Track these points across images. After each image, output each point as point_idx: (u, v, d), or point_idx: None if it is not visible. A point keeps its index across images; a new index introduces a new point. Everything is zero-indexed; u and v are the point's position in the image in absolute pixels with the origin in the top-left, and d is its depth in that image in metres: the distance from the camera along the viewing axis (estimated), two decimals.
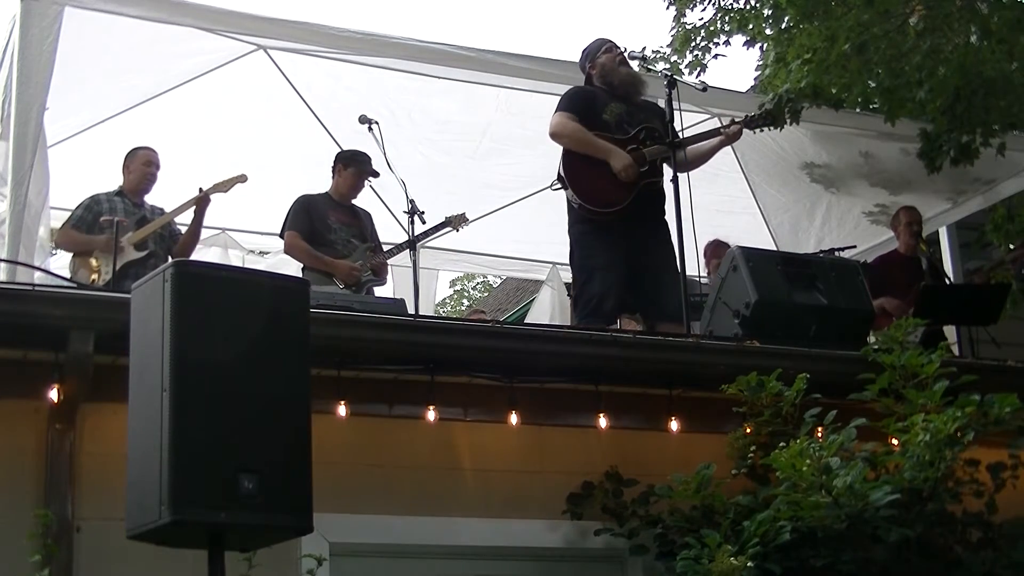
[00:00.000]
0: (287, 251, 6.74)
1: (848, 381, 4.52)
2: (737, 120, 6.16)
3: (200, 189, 6.56)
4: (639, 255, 5.86)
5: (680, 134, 5.91)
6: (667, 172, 5.81)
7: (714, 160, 6.89)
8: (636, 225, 5.86)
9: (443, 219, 6.83)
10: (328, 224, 6.63)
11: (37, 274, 5.30)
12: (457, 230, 7.07)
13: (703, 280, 7.01)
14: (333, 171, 6.83)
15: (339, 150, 7.06)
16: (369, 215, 6.96)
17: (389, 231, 7.42)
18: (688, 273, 5.89)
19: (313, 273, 6.48)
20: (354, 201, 6.87)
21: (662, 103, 5.87)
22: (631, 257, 5.89)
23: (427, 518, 4.49)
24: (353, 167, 6.74)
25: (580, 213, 6.01)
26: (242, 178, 6.69)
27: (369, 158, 6.72)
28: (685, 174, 5.73)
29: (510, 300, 16.09)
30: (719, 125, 6.09)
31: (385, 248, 6.84)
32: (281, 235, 6.71)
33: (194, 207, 6.57)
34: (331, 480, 3.86)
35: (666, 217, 5.86)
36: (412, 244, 6.35)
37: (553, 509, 4.66)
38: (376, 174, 6.69)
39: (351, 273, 6.52)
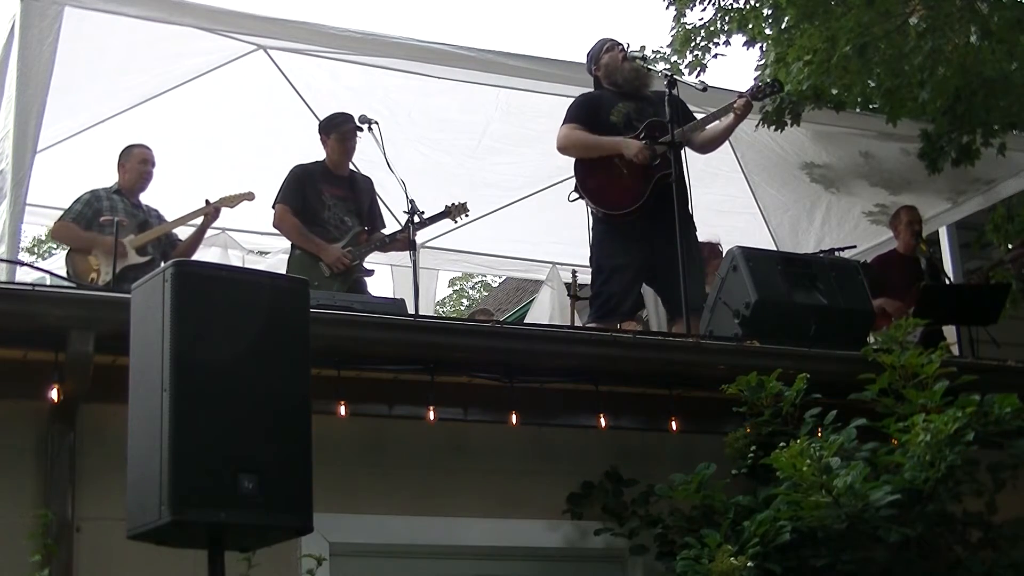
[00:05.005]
0: (276, 224, 6.52)
1: (848, 381, 4.51)
2: (743, 93, 6.04)
3: (207, 202, 6.54)
4: (658, 252, 5.84)
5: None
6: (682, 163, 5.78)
7: (714, 160, 6.89)
8: (655, 222, 5.86)
9: (442, 208, 6.67)
10: (322, 200, 6.43)
11: (37, 274, 5.31)
12: (455, 220, 6.93)
13: None
14: (321, 142, 6.58)
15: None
16: (369, 180, 6.74)
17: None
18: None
19: (301, 253, 6.36)
20: (352, 168, 6.68)
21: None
22: (651, 255, 5.92)
23: (427, 518, 4.49)
24: (334, 132, 6.51)
25: (599, 216, 6.07)
26: (249, 196, 6.64)
27: (347, 116, 6.43)
28: (685, 174, 5.74)
29: (510, 300, 16.07)
30: (722, 108, 6.02)
31: (384, 234, 6.63)
32: (273, 205, 6.47)
33: (201, 219, 6.54)
34: (331, 480, 3.85)
35: (688, 210, 5.86)
36: (413, 245, 6.27)
37: (553, 509, 4.66)
38: (359, 128, 6.32)
39: (340, 259, 6.30)
